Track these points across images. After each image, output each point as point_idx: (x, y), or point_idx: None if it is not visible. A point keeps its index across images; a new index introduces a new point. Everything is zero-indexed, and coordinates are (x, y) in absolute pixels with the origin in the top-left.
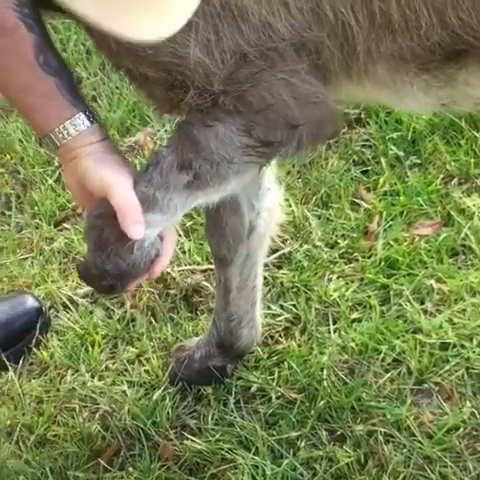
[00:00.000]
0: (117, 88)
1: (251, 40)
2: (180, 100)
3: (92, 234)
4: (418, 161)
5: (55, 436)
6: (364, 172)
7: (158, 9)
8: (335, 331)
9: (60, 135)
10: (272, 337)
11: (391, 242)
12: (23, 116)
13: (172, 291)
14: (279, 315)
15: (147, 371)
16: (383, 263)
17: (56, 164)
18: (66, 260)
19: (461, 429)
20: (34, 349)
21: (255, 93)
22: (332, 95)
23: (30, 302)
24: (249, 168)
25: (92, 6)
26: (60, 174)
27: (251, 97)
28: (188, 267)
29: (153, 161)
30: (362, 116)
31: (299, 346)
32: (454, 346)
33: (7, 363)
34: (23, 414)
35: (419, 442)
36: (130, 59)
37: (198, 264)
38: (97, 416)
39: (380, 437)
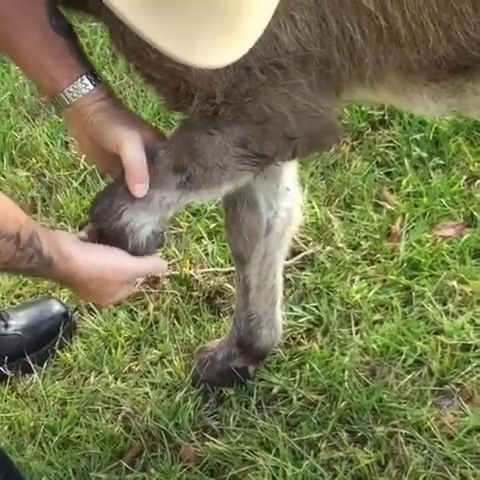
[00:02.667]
0: (142, 91)
1: (256, 52)
2: (185, 105)
3: (93, 226)
4: (441, 162)
5: (78, 437)
6: (387, 173)
7: (230, 29)
8: (357, 333)
9: (70, 94)
10: (294, 339)
11: (414, 243)
12: (31, 78)
13: (195, 293)
14: (301, 317)
15: (170, 373)
16: (405, 264)
17: (81, 167)
18: None
19: None
20: (58, 351)
21: (255, 106)
22: (345, 97)
23: (56, 307)
24: (243, 175)
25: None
26: (85, 177)
27: (251, 110)
28: (211, 269)
29: (148, 160)
30: (386, 117)
31: (321, 348)
32: (476, 347)
33: (32, 365)
34: (46, 416)
35: (440, 443)
36: (136, 59)
37: (221, 266)
38: (120, 418)
39: (401, 438)
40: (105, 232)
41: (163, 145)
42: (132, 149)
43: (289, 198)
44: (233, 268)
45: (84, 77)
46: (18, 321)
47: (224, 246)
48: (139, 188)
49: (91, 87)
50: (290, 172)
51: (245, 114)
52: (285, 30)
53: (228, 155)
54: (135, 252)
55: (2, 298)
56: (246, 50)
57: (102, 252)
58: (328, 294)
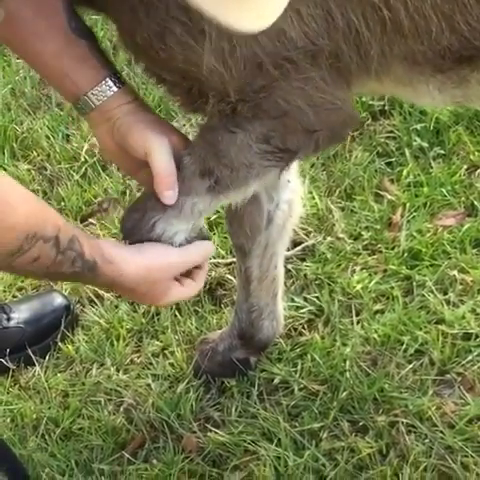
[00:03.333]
0: (143, 84)
1: (266, 48)
2: (201, 106)
3: (127, 242)
4: (442, 152)
5: (80, 429)
6: (388, 164)
7: None
8: (358, 323)
9: (95, 97)
10: (295, 329)
11: (414, 233)
12: (53, 83)
13: None
14: (302, 307)
15: (171, 364)
16: (406, 254)
17: (82, 160)
18: None
19: None
20: (60, 344)
21: (271, 101)
22: (355, 90)
23: (59, 300)
24: (269, 171)
25: None
26: (86, 170)
27: (267, 105)
28: (212, 260)
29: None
30: (386, 108)
31: (322, 338)
32: (477, 336)
33: (34, 358)
34: (49, 408)
35: (441, 432)
36: (146, 59)
37: (222, 257)
38: (122, 409)
39: (402, 428)
40: None
41: (187, 151)
42: (161, 155)
43: (290, 190)
44: (234, 259)
45: (108, 79)
46: (20, 314)
47: (225, 237)
48: (168, 195)
49: (115, 89)
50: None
51: (262, 110)
52: (293, 25)
53: (252, 152)
54: None
55: (4, 291)
56: (277, 16)
57: (146, 252)
58: (329, 284)
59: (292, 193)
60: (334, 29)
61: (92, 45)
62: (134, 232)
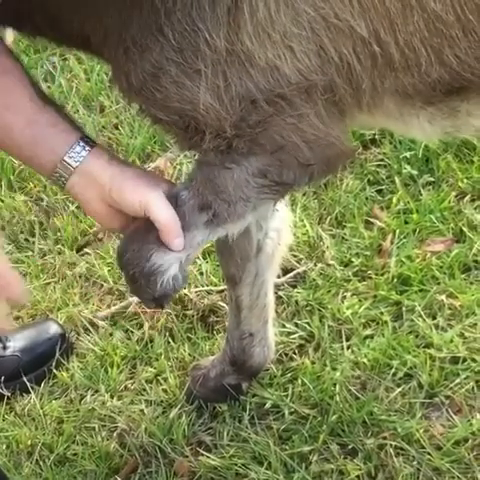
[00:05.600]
0: (139, 115)
1: (260, 84)
2: (197, 142)
3: (124, 271)
4: (431, 179)
5: (74, 455)
6: (378, 191)
7: None
8: (348, 348)
9: (72, 159)
10: (286, 354)
11: (404, 259)
12: (27, 154)
13: (189, 312)
14: (293, 333)
15: (165, 390)
16: (396, 280)
17: None
18: (87, 284)
19: (470, 441)
20: (55, 371)
21: (267, 136)
22: (347, 123)
23: (54, 328)
24: (264, 203)
25: None
26: None
27: (263, 140)
28: (205, 288)
29: (172, 204)
30: (377, 137)
31: (312, 363)
32: (464, 360)
33: (29, 385)
34: (44, 434)
35: (429, 454)
36: (141, 100)
37: (215, 285)
38: (115, 435)
39: (390, 450)
40: (136, 276)
41: (184, 186)
42: (162, 208)
43: (278, 219)
44: (226, 287)
45: (80, 140)
46: (16, 343)
47: (217, 265)
48: (178, 242)
49: (89, 148)
50: None
51: (258, 144)
52: (286, 61)
53: (249, 187)
54: (164, 292)
55: None
56: None
57: None
58: (320, 310)
59: (280, 221)
60: (327, 63)
61: (59, 110)
62: (132, 263)
